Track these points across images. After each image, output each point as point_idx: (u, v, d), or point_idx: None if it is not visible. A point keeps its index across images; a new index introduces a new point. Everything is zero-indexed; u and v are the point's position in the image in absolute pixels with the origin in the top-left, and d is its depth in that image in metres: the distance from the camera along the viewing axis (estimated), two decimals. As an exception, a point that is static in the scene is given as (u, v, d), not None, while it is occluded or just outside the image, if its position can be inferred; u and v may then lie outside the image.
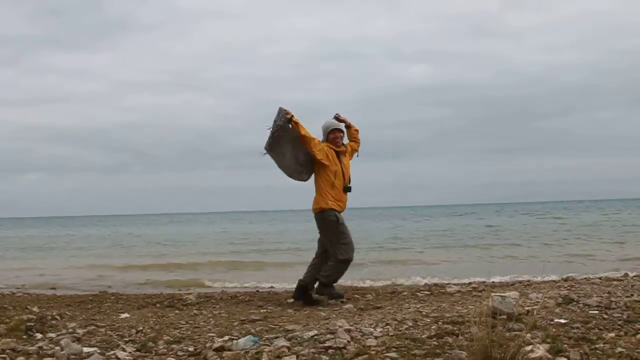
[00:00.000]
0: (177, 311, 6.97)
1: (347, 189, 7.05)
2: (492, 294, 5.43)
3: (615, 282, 7.58)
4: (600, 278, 8.61)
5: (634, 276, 8.58)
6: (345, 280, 8.17)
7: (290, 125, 6.86)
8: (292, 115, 6.82)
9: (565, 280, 8.52)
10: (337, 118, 7.25)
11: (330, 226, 6.96)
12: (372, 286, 9.41)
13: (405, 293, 7.71)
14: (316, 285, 7.11)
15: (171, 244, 26.88)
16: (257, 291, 9.14)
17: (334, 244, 6.96)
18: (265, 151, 6.89)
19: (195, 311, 6.85)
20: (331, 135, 7.11)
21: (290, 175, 7.07)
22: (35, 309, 6.86)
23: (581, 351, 3.84)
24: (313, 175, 7.10)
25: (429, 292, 7.68)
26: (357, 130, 7.36)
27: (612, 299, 5.91)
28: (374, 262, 14.91)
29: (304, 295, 7.01)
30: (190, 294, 8.30)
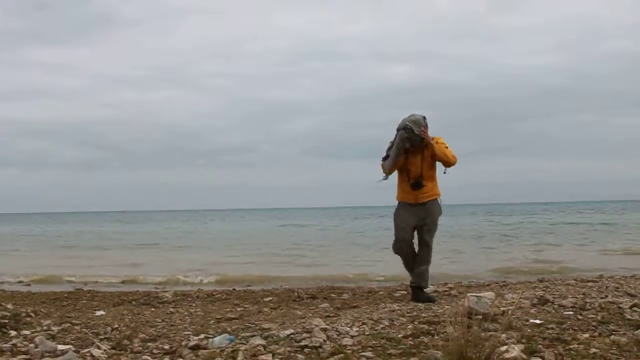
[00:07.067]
0: (153, 309, 6.92)
1: (413, 185, 6.78)
2: (468, 294, 5.48)
3: (590, 284, 7.65)
4: (575, 279, 8.69)
5: (609, 277, 8.68)
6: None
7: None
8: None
9: (541, 281, 8.60)
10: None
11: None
12: (348, 285, 9.42)
13: (382, 292, 7.73)
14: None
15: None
16: (234, 289, 9.11)
17: None
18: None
19: (171, 309, 6.81)
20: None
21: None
22: (9, 305, 6.76)
23: (556, 352, 3.88)
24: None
25: (405, 292, 7.71)
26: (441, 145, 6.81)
27: (587, 300, 5.97)
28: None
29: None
30: (167, 291, 8.25)
